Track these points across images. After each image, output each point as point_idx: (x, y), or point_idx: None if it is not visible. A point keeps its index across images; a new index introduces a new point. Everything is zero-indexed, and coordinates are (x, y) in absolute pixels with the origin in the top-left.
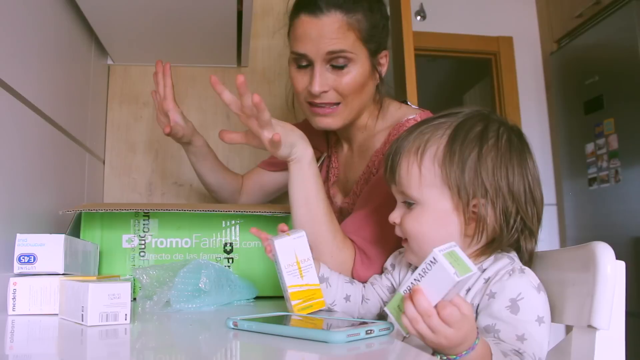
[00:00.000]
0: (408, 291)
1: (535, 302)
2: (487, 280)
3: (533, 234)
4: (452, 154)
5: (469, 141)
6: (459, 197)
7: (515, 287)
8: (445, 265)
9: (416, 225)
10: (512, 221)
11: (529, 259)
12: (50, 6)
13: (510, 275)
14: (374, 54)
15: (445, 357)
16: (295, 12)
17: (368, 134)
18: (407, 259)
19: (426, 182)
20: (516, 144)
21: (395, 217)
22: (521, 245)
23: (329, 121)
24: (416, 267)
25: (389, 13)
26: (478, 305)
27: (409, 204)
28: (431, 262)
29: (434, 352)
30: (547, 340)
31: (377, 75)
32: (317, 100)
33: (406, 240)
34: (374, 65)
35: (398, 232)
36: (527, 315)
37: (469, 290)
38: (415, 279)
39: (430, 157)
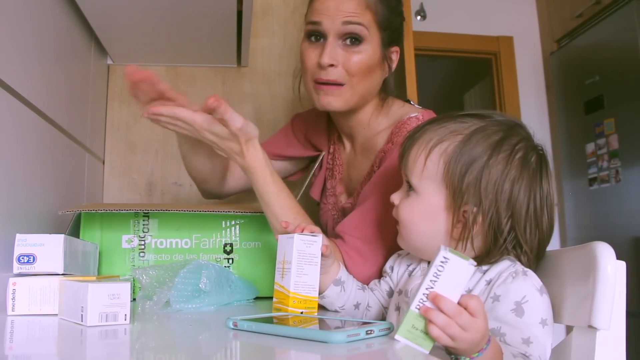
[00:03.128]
0: (421, 304)
1: (539, 304)
2: (489, 283)
3: (527, 256)
4: (460, 155)
5: (481, 147)
6: (452, 198)
7: (520, 289)
8: (458, 259)
9: (408, 213)
10: (501, 239)
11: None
12: (50, 6)
13: (514, 278)
14: (386, 44)
15: (468, 359)
16: None
17: (370, 132)
18: (398, 242)
19: (427, 174)
20: (532, 163)
21: (395, 198)
22: (521, 260)
23: (332, 100)
24: (412, 267)
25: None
26: None
27: (409, 190)
28: (442, 262)
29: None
30: (550, 342)
31: (387, 68)
32: (324, 76)
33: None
34: (385, 56)
35: (395, 213)
36: (531, 318)
37: (470, 292)
38: (427, 287)
39: (438, 152)
